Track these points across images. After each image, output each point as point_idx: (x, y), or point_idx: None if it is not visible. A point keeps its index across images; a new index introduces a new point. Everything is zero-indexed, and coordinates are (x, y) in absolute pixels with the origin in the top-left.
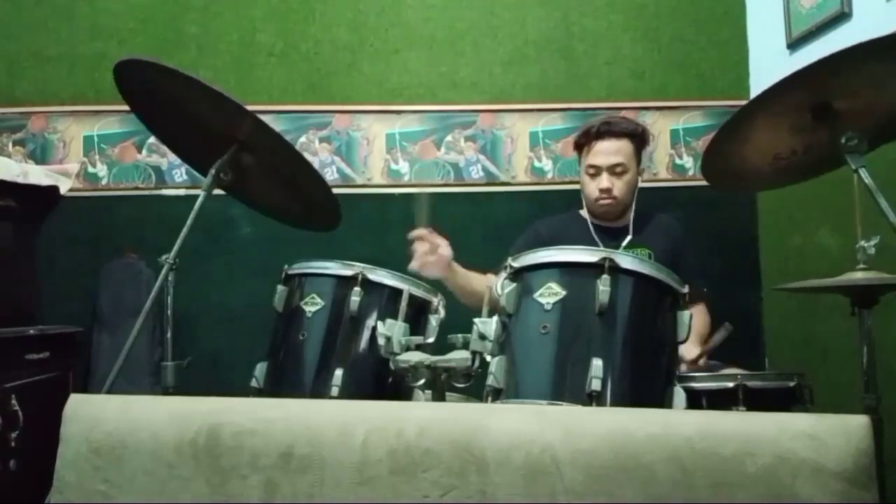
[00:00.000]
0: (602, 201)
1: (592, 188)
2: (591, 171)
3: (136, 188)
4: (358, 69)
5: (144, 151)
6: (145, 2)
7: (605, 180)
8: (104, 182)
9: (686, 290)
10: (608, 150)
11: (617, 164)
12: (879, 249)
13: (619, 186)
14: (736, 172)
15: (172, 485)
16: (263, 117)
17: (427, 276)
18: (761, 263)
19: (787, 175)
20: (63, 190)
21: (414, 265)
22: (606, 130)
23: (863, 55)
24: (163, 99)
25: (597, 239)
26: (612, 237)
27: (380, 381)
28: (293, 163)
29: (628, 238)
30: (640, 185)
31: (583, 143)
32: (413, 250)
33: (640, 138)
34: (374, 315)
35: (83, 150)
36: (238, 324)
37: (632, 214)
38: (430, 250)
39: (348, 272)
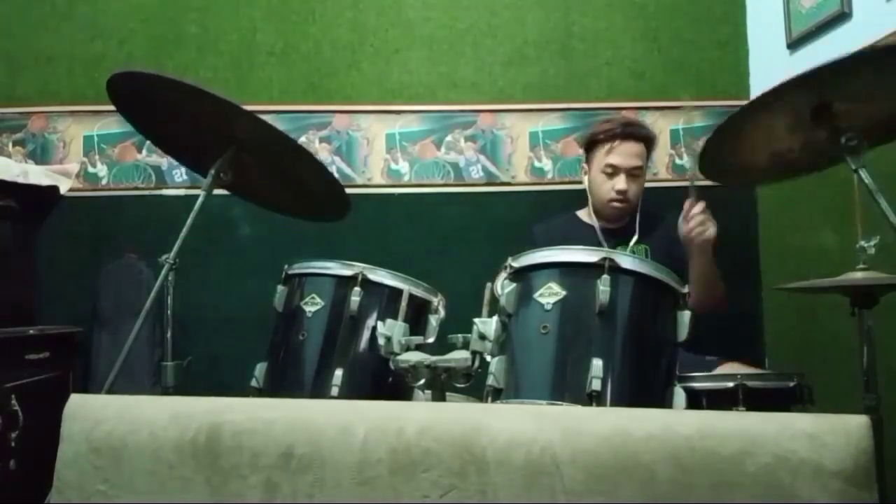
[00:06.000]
0: (616, 203)
1: (608, 188)
2: (609, 170)
3: (136, 188)
4: (358, 69)
5: (144, 151)
6: (145, 2)
7: (623, 182)
8: (104, 182)
9: (686, 289)
10: (630, 153)
11: (636, 168)
12: (879, 249)
13: (633, 189)
14: (733, 167)
15: (172, 485)
16: (263, 117)
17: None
18: (761, 263)
19: (785, 169)
20: (63, 190)
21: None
22: (631, 133)
23: (865, 62)
24: (158, 106)
25: (603, 242)
26: (617, 240)
27: (380, 381)
28: (295, 157)
29: (635, 238)
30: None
31: (602, 140)
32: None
33: (652, 144)
34: (374, 315)
35: (83, 150)
36: (238, 324)
37: (637, 216)
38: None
39: (348, 272)
